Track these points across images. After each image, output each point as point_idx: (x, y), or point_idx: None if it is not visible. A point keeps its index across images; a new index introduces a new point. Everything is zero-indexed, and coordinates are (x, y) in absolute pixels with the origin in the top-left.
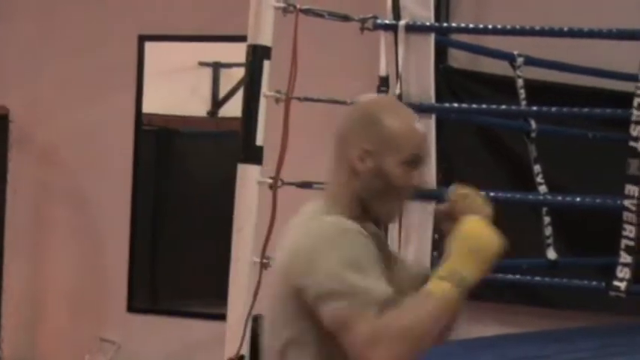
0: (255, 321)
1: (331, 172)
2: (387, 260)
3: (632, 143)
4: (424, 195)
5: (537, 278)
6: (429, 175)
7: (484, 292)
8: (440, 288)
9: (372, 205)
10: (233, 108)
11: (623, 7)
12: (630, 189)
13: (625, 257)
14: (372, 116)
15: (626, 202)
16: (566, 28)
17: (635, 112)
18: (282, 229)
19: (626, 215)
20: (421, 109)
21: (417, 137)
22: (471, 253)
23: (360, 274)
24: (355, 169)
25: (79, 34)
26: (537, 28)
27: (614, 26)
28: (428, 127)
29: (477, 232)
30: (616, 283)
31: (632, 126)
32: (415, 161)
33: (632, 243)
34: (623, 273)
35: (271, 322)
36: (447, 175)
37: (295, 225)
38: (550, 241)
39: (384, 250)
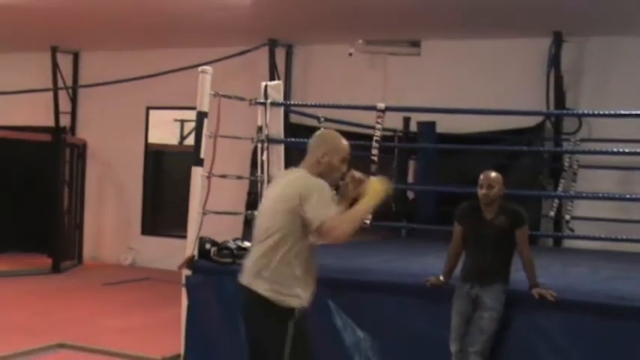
0: (200, 240)
1: (309, 159)
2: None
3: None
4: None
5: None
6: (280, 168)
7: None
8: (364, 207)
9: (325, 177)
10: (190, 140)
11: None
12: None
13: None
14: (328, 138)
15: None
16: (343, 103)
17: (373, 143)
18: (214, 198)
19: None
20: (277, 142)
21: (346, 148)
22: (375, 194)
23: (331, 202)
24: (319, 161)
25: (122, 107)
26: (331, 103)
27: (364, 102)
28: (279, 151)
29: (378, 185)
30: None
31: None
32: (345, 159)
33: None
34: None
35: (266, 226)
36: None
37: (295, 175)
38: None
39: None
